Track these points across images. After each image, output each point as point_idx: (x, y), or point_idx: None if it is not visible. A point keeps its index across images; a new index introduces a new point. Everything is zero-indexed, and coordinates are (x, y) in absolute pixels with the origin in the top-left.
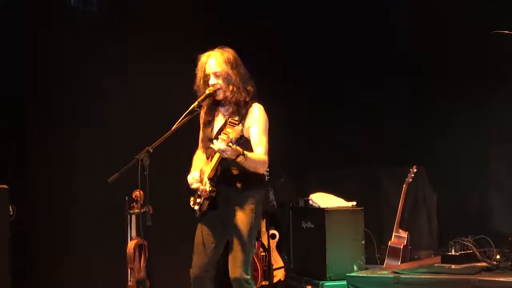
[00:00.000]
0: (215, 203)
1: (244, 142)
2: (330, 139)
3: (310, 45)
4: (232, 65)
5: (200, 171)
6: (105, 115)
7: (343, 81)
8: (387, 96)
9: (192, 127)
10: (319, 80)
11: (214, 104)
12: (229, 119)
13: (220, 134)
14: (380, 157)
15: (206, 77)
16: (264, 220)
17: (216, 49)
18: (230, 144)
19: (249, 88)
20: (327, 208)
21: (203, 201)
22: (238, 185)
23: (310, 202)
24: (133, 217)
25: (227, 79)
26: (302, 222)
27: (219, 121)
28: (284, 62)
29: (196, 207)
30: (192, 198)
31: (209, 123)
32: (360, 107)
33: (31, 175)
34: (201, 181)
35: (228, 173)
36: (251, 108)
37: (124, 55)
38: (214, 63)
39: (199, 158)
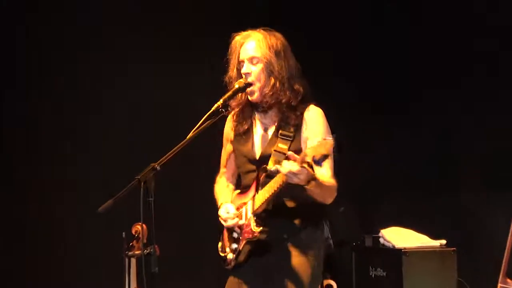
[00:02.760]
0: (260, 249)
1: None
2: (408, 155)
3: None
4: (278, 53)
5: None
6: (100, 122)
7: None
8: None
9: (215, 135)
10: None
11: (250, 108)
12: (280, 131)
13: (273, 152)
14: (478, 179)
15: (240, 65)
16: None
17: (259, 29)
18: (305, 165)
19: (296, 87)
20: (404, 248)
21: (243, 246)
22: (297, 221)
23: (381, 240)
24: (133, 260)
25: (267, 69)
26: (370, 268)
27: (258, 132)
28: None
29: (231, 256)
30: (221, 244)
31: (245, 135)
32: (447, 117)
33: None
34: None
35: (280, 206)
36: (306, 113)
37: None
38: (253, 46)
39: (224, 188)
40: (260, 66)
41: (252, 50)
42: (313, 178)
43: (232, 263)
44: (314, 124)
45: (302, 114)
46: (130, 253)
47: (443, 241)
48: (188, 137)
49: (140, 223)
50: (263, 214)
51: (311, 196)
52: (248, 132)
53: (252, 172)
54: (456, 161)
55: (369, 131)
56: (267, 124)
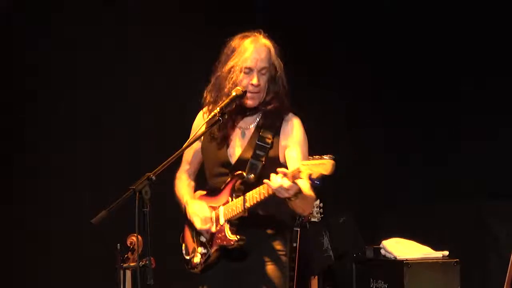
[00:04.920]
0: (229, 253)
1: (274, 167)
2: (410, 164)
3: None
4: (281, 63)
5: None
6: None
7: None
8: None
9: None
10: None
11: (236, 113)
12: (258, 137)
13: (251, 159)
14: (485, 187)
15: (245, 72)
16: (316, 278)
17: (262, 36)
18: (297, 181)
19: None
20: (406, 260)
21: (214, 251)
22: (269, 230)
23: (383, 251)
24: (128, 272)
25: (275, 81)
26: (371, 280)
27: (238, 136)
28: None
29: (198, 260)
30: (184, 245)
31: (220, 137)
32: (455, 122)
33: None
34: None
35: (253, 214)
36: (285, 121)
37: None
38: (264, 55)
39: (187, 185)
40: (267, 76)
41: (265, 61)
42: (299, 192)
43: (199, 267)
44: (294, 132)
45: (281, 121)
46: (125, 265)
47: (446, 252)
48: (184, 146)
49: (135, 234)
50: (236, 221)
51: (291, 207)
52: (226, 136)
53: (223, 176)
54: (458, 171)
55: (369, 142)
56: (246, 128)
